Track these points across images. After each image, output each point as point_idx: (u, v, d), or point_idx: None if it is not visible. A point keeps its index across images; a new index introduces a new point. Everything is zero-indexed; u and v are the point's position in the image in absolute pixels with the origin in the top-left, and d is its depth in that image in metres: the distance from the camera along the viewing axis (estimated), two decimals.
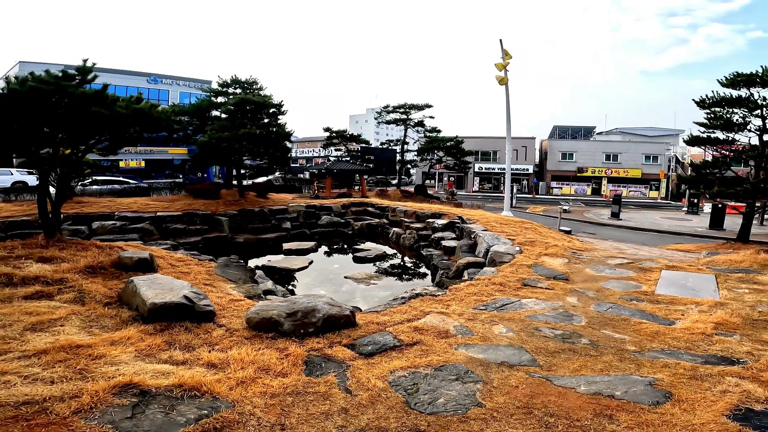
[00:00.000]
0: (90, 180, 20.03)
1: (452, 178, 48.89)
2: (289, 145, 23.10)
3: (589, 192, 48.45)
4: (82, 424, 2.58)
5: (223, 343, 4.16)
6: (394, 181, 39.08)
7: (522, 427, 2.76)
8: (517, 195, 36.52)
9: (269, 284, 8.22)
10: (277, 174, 29.32)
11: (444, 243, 12.77)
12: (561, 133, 56.94)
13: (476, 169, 48.89)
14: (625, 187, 47.02)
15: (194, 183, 25.67)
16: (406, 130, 34.04)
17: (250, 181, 22.74)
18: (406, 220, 17.41)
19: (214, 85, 27.54)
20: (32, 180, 22.71)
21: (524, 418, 2.87)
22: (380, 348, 4.15)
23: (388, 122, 34.52)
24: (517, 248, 9.39)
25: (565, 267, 8.03)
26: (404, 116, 33.37)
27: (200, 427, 2.65)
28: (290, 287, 9.93)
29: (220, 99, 24.81)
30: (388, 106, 34.07)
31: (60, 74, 7.19)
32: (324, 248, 15.44)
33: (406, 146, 34.87)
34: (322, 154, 58.93)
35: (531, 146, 50.14)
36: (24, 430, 2.49)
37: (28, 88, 6.76)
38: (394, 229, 17.08)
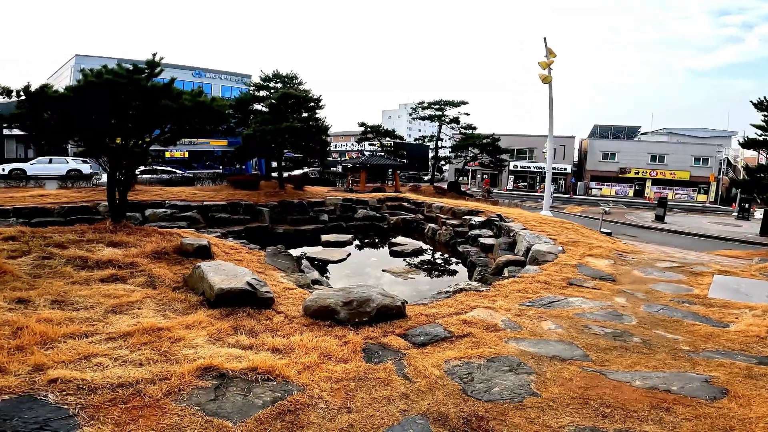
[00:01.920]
0: (143, 168, 21.12)
1: (486, 176, 48.36)
2: (327, 138, 23.56)
3: (630, 194, 46.84)
4: (173, 406, 2.72)
5: (284, 329, 4.39)
6: (426, 177, 39.07)
7: (579, 416, 2.86)
8: (554, 195, 35.77)
9: (315, 274, 8.55)
10: (314, 167, 29.87)
11: (481, 240, 12.79)
12: (602, 132, 55.35)
13: (511, 167, 48.13)
14: (670, 189, 45.18)
15: (235, 174, 26.57)
16: (440, 127, 33.90)
17: (286, 174, 23.36)
18: (442, 216, 17.46)
19: (255, 79, 28.27)
20: (86, 168, 24.17)
21: (580, 408, 2.97)
22: (432, 339, 4.31)
23: (423, 118, 34.50)
24: (560, 248, 9.34)
25: (611, 268, 7.94)
26: (439, 112, 33.23)
27: (276, 409, 2.81)
28: (329, 277, 10.22)
29: (262, 93, 25.49)
30: (423, 102, 34.05)
31: (131, 68, 7.69)
32: (360, 241, 15.73)
33: (440, 142, 34.78)
34: (355, 149, 59.42)
35: (570, 145, 48.93)
36: (123, 412, 2.59)
37: (105, 81, 7.27)
38: (430, 224, 17.18)
